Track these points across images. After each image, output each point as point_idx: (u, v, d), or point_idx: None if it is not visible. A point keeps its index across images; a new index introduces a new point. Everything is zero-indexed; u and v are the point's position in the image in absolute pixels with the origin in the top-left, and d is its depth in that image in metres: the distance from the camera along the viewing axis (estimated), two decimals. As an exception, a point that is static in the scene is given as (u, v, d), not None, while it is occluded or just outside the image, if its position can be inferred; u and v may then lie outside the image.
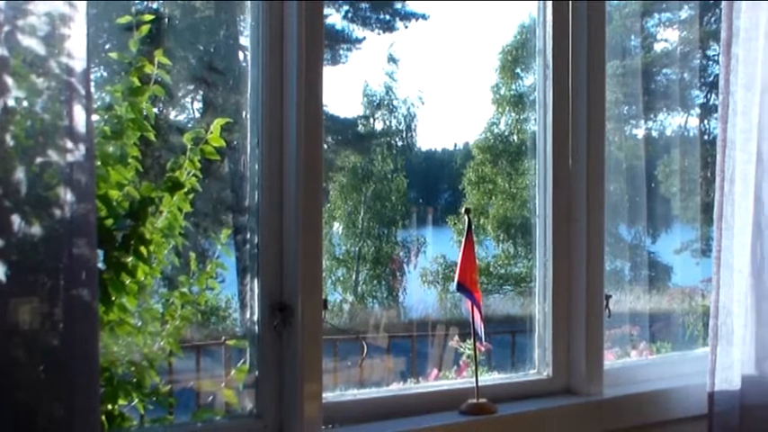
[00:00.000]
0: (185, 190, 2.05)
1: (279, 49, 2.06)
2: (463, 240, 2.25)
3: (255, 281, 2.08)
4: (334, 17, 5.02)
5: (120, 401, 1.92)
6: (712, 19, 4.12)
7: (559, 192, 2.46)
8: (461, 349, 3.00)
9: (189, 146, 2.07)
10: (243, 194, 2.16)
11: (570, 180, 2.47)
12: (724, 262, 2.48)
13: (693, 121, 4.46)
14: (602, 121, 2.50)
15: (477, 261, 2.28)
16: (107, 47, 2.56)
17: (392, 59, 5.30)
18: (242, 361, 2.09)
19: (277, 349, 2.06)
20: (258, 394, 2.07)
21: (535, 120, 2.55)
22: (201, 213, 2.48)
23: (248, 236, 2.13)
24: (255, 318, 2.08)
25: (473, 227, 2.28)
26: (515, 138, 5.45)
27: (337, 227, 5.15)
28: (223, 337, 3.11)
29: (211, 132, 2.05)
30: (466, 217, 2.27)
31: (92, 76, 2.06)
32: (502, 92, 5.56)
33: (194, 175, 2.07)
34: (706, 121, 4.48)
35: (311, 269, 2.04)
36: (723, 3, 2.52)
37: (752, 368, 2.50)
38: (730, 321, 2.46)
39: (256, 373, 2.06)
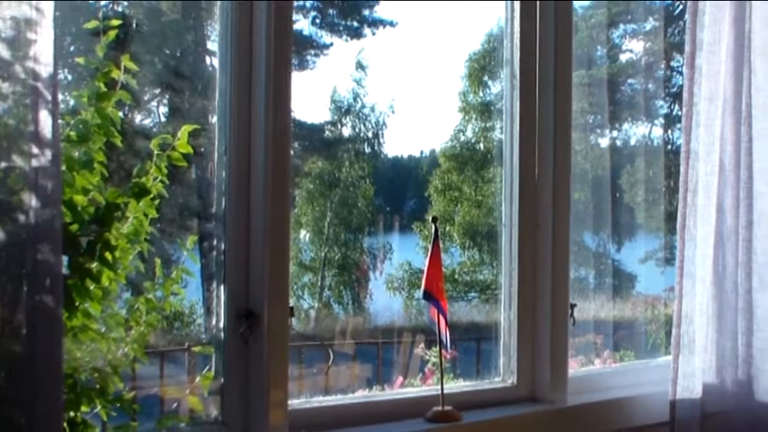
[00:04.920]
0: (151, 196, 2.03)
1: (247, 54, 2.06)
2: (430, 248, 2.26)
3: (221, 287, 2.08)
4: (302, 23, 5.00)
5: (83, 408, 1.89)
6: (676, 31, 4.17)
7: (525, 200, 2.49)
8: (427, 357, 3.01)
9: (156, 152, 2.05)
10: (210, 201, 2.15)
11: (536, 188, 2.49)
12: (687, 271, 2.51)
13: (657, 131, 4.51)
14: (567, 130, 2.52)
15: (443, 269, 2.29)
16: (73, 51, 2.54)
17: (360, 66, 5.29)
18: (207, 368, 2.08)
19: (243, 356, 2.06)
20: (223, 401, 2.06)
21: (502, 128, 2.58)
22: (168, 219, 2.46)
23: (215, 242, 2.12)
24: (221, 324, 2.07)
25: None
26: (482, 146, 5.46)
27: (304, 233, 5.14)
28: (187, 344, 3.09)
29: (178, 139, 2.04)
30: (433, 225, 2.28)
31: (58, 81, 2.04)
32: (469, 99, 5.57)
33: (161, 181, 2.05)
34: (670, 132, 4.53)
35: (278, 276, 2.04)
36: (687, 16, 2.56)
37: (713, 376, 2.54)
38: (692, 330, 2.49)
39: (222, 379, 2.06)
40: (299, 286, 5.25)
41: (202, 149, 2.22)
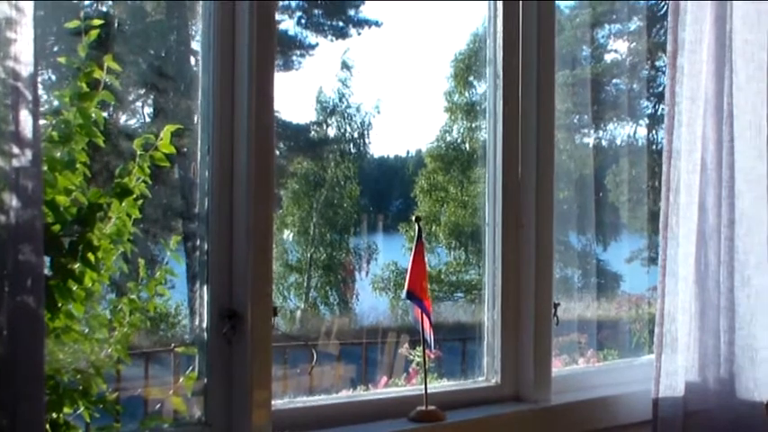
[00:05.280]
0: (134, 196, 2.02)
1: (230, 54, 2.06)
2: (413, 248, 2.26)
3: (205, 288, 2.07)
4: (287, 23, 5.00)
5: (66, 410, 1.88)
6: (660, 31, 4.19)
7: (509, 200, 2.49)
8: (411, 357, 3.01)
9: (138, 152, 2.05)
10: (193, 201, 2.15)
11: (520, 188, 2.50)
12: (669, 270, 2.52)
13: (642, 131, 4.53)
14: (551, 130, 2.53)
15: (427, 269, 2.29)
16: (57, 50, 2.53)
17: (345, 66, 5.28)
18: (190, 368, 2.08)
19: (226, 356, 2.05)
20: (207, 402, 2.06)
21: (486, 128, 2.58)
22: (151, 220, 2.46)
23: (198, 243, 2.12)
24: (204, 325, 2.07)
25: (424, 234, 2.29)
26: (467, 146, 5.47)
27: (289, 233, 5.13)
28: (172, 345, 3.09)
29: (161, 139, 2.03)
30: (416, 225, 2.29)
31: (39, 80, 2.04)
32: (455, 99, 5.58)
33: (144, 181, 2.05)
34: (654, 131, 4.55)
35: (261, 276, 2.04)
36: (669, 15, 2.57)
37: (695, 375, 2.55)
38: (675, 329, 2.50)
39: (205, 380, 2.06)
40: (284, 287, 5.24)
41: (185, 149, 2.22)
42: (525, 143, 2.50)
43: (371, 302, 5.32)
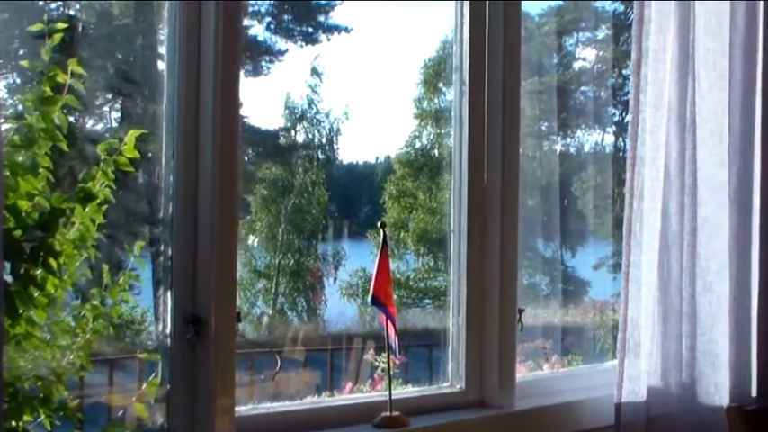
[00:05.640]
0: (98, 201, 2.01)
1: (195, 58, 2.05)
2: (378, 254, 2.26)
3: (168, 293, 2.06)
4: (257, 28, 4.98)
5: (26, 417, 1.87)
6: (627, 39, 4.23)
7: (474, 206, 2.50)
8: (376, 363, 3.01)
9: (102, 156, 2.04)
10: (157, 206, 2.14)
11: (485, 195, 2.51)
12: (632, 276, 2.55)
13: (609, 138, 4.56)
14: (516, 136, 2.55)
15: (391, 275, 2.29)
16: (20, 53, 2.51)
17: (315, 72, 5.28)
18: (153, 375, 2.07)
19: (189, 362, 2.04)
20: (169, 408, 2.04)
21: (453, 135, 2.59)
22: (116, 225, 2.44)
23: (162, 248, 2.11)
24: (168, 330, 2.06)
25: (390, 241, 2.29)
26: (437, 152, 5.48)
27: (257, 239, 5.11)
28: (138, 351, 3.06)
29: (125, 144, 2.02)
30: (381, 231, 2.29)
31: (3, 84, 2.02)
32: (424, 106, 5.59)
33: (108, 186, 2.03)
34: (621, 139, 4.58)
35: (225, 281, 2.03)
36: (633, 24, 2.60)
37: (657, 379, 2.58)
38: (638, 334, 2.53)
39: (168, 386, 2.04)
40: (252, 293, 5.22)
41: (150, 155, 2.21)
42: (491, 150, 2.51)
43: (339, 309, 5.30)
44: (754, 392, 2.66)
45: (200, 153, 2.05)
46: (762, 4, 2.72)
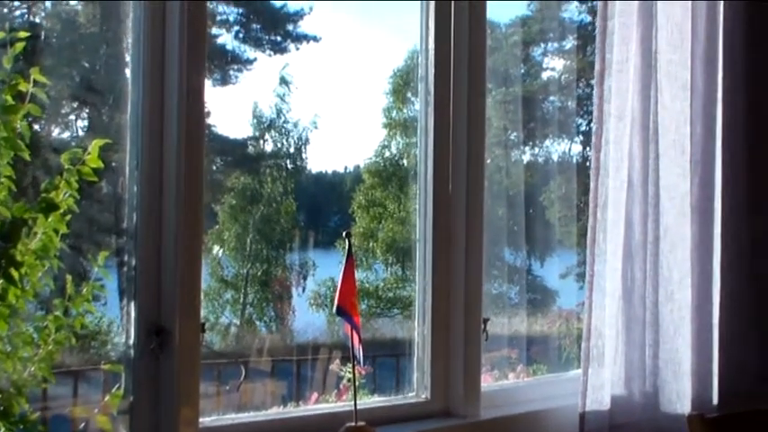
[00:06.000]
0: (61, 211, 2.00)
1: (160, 67, 2.04)
2: (343, 264, 2.26)
3: (132, 303, 2.05)
4: (225, 37, 4.96)
5: (-14, 430, 1.85)
6: (594, 50, 4.26)
7: (440, 216, 2.51)
8: (342, 373, 3.01)
9: (66, 166, 2.02)
10: (121, 216, 2.13)
11: (450, 205, 2.52)
12: (596, 286, 2.57)
13: (576, 148, 4.59)
14: (481, 146, 2.56)
15: (356, 285, 2.29)
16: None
17: (284, 81, 5.27)
18: (117, 386, 2.05)
19: (153, 373, 2.03)
20: (133, 420, 2.03)
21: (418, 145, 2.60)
22: (80, 235, 2.42)
23: (126, 258, 2.09)
24: (131, 341, 2.05)
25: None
26: (405, 162, 5.48)
27: (219, 249, 5.09)
28: (103, 362, 3.03)
29: (89, 153, 2.01)
30: (346, 241, 2.29)
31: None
32: (393, 115, 5.59)
33: (71, 195, 2.02)
34: (588, 149, 4.61)
35: (189, 292, 2.03)
36: (597, 36, 2.63)
37: (621, 388, 2.60)
38: (602, 343, 2.55)
39: (131, 398, 2.03)
40: (220, 303, 5.19)
41: (114, 164, 2.19)
42: (456, 160, 2.52)
43: (308, 319, 5.29)
44: (715, 400, 2.68)
45: (164, 162, 2.04)
46: (722, 16, 2.76)
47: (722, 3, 2.77)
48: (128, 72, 2.13)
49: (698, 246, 2.68)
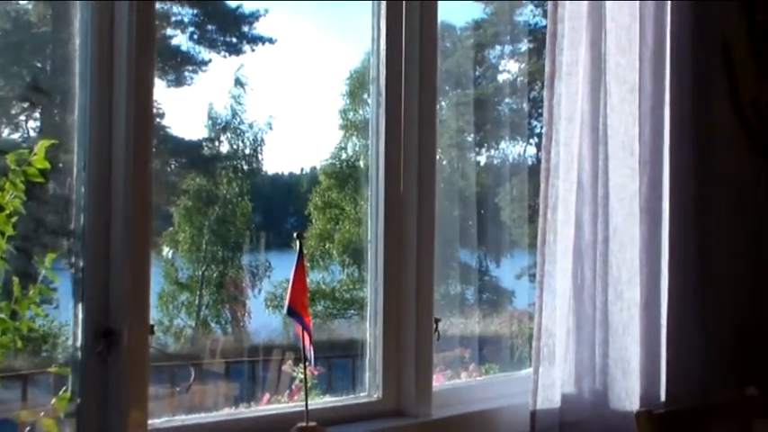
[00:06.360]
0: (7, 213, 1.97)
1: (108, 67, 2.02)
2: (294, 265, 2.26)
3: (80, 305, 2.03)
4: (180, 38, 4.94)
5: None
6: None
7: (391, 217, 2.52)
8: (295, 373, 3.01)
9: (12, 167, 2.00)
10: (69, 217, 2.10)
11: (401, 206, 2.53)
12: (547, 286, 2.59)
13: (532, 150, 4.62)
14: (433, 147, 2.58)
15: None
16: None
17: (239, 82, 5.25)
18: (63, 389, 2.03)
19: (101, 376, 2.01)
20: (80, 423, 2.01)
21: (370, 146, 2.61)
22: (27, 237, 2.39)
23: (73, 260, 2.07)
24: (78, 344, 2.03)
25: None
26: (362, 163, 5.48)
27: (180, 251, 5.05)
28: (53, 365, 3.00)
29: (35, 154, 1.99)
30: (297, 242, 2.29)
31: None
32: (349, 117, 5.59)
33: (17, 197, 2.00)
34: (542, 151, 4.64)
35: (138, 293, 2.01)
36: (547, 39, 2.65)
37: (571, 386, 2.62)
38: (552, 343, 2.57)
39: (78, 400, 2.01)
40: (175, 305, 5.15)
41: (61, 165, 2.17)
42: (407, 161, 2.54)
43: (264, 320, 5.27)
44: (663, 397, 2.72)
45: (113, 163, 2.03)
46: (669, 19, 2.80)
47: (669, 4, 2.81)
48: (77, 72, 2.11)
49: (646, 246, 2.72)
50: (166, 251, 4.97)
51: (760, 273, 3.37)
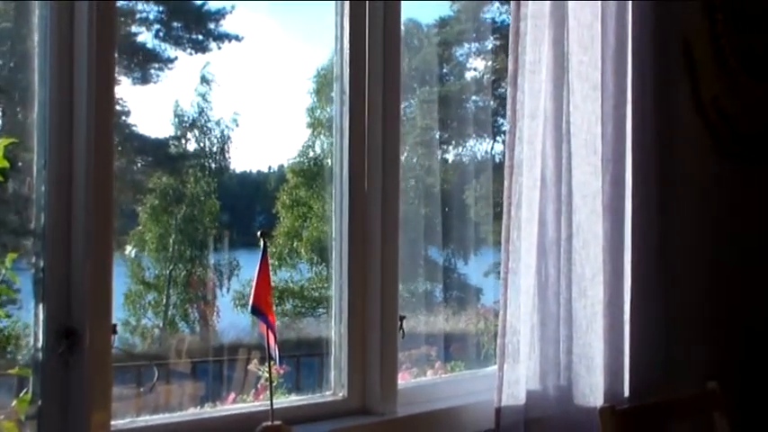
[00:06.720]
0: (-35, 212, 1.95)
1: (69, 65, 2.00)
2: (258, 264, 2.26)
3: (41, 306, 2.01)
4: (145, 35, 4.90)
5: None
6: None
7: (355, 215, 2.52)
8: (260, 372, 3.00)
9: (-30, 167, 1.98)
10: (29, 217, 2.08)
11: (366, 203, 2.53)
12: (511, 283, 2.61)
13: (499, 147, 4.64)
14: (397, 145, 2.58)
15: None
16: None
17: (205, 80, 5.22)
18: (24, 390, 2.01)
19: (63, 377, 1.99)
20: (41, 425, 1.99)
21: (334, 144, 2.61)
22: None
23: (34, 260, 2.05)
24: (39, 344, 2.01)
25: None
26: (329, 161, 5.46)
27: (147, 250, 5.02)
28: (17, 367, 2.96)
29: (-7, 153, 1.97)
30: (261, 240, 2.29)
31: None
32: (317, 115, 5.57)
33: (-24, 196, 1.98)
34: (510, 148, 4.65)
35: (100, 293, 1.99)
36: (510, 38, 2.67)
37: (536, 383, 2.64)
38: (517, 340, 2.59)
39: (39, 402, 1.99)
40: (142, 305, 5.11)
41: (20, 164, 2.15)
42: (371, 158, 2.54)
43: (232, 319, 5.25)
44: (626, 393, 2.75)
45: (73, 161, 2.01)
46: (630, 20, 2.82)
47: (630, 3, 2.83)
48: (36, 69, 2.08)
49: (609, 243, 2.74)
50: (129, 250, 4.93)
51: (721, 270, 3.42)
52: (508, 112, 2.65)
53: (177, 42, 5.17)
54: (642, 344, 2.78)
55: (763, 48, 3.69)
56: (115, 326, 2.07)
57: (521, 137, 2.63)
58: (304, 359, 3.98)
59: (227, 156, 5.35)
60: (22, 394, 2.00)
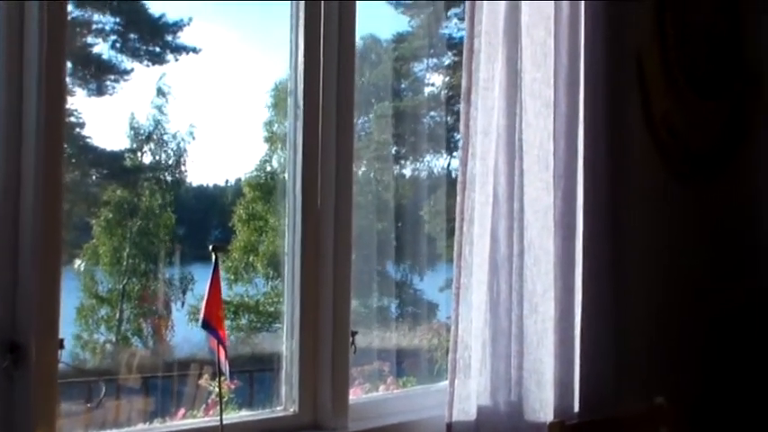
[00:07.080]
0: None
1: (18, 73, 1.97)
2: (210, 278, 2.25)
3: (-15, 319, 1.98)
4: (101, 46, 4.84)
5: None
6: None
7: (308, 230, 2.52)
8: (212, 387, 2.98)
9: None
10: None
11: (319, 218, 2.53)
12: (463, 298, 2.62)
13: (456, 163, 4.65)
14: (350, 160, 2.59)
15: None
16: None
17: (161, 92, 5.17)
18: (-34, 406, 1.97)
19: (6, 392, 1.95)
20: (-17, 442, 1.96)
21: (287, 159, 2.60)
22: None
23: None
24: (-18, 359, 1.97)
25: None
26: (286, 176, 5.44)
27: (99, 264, 4.95)
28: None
29: (-59, 162, 1.93)
30: (213, 255, 2.28)
31: None
32: (275, 129, 5.55)
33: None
34: (467, 164, 4.66)
35: (47, 307, 1.97)
36: (464, 54, 2.69)
37: (487, 398, 2.65)
38: (468, 355, 2.60)
39: (-18, 418, 1.96)
40: (94, 320, 5.04)
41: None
42: (325, 174, 2.54)
43: (186, 334, 5.19)
44: (576, 408, 2.77)
45: (22, 173, 1.98)
46: (583, 38, 2.86)
47: (582, 19, 2.86)
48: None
49: (561, 259, 2.76)
50: (79, 263, 4.87)
51: (671, 286, 3.45)
52: (461, 129, 2.67)
53: (134, 54, 5.12)
54: (593, 359, 2.80)
55: (704, 65, 3.72)
56: (62, 340, 2.04)
57: (474, 153, 2.64)
58: (257, 374, 3.94)
59: (183, 169, 5.30)
60: (-36, 410, 1.96)
